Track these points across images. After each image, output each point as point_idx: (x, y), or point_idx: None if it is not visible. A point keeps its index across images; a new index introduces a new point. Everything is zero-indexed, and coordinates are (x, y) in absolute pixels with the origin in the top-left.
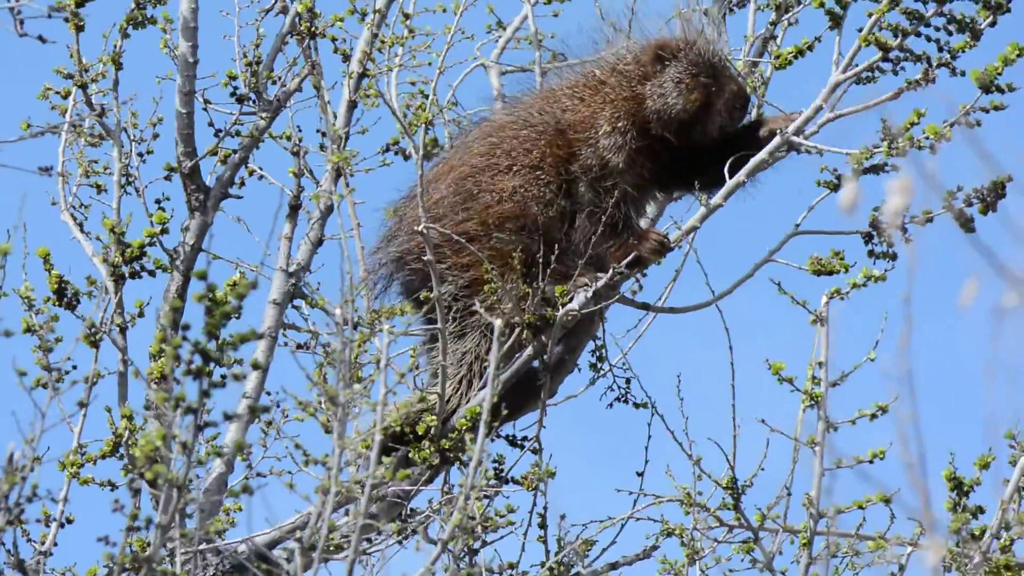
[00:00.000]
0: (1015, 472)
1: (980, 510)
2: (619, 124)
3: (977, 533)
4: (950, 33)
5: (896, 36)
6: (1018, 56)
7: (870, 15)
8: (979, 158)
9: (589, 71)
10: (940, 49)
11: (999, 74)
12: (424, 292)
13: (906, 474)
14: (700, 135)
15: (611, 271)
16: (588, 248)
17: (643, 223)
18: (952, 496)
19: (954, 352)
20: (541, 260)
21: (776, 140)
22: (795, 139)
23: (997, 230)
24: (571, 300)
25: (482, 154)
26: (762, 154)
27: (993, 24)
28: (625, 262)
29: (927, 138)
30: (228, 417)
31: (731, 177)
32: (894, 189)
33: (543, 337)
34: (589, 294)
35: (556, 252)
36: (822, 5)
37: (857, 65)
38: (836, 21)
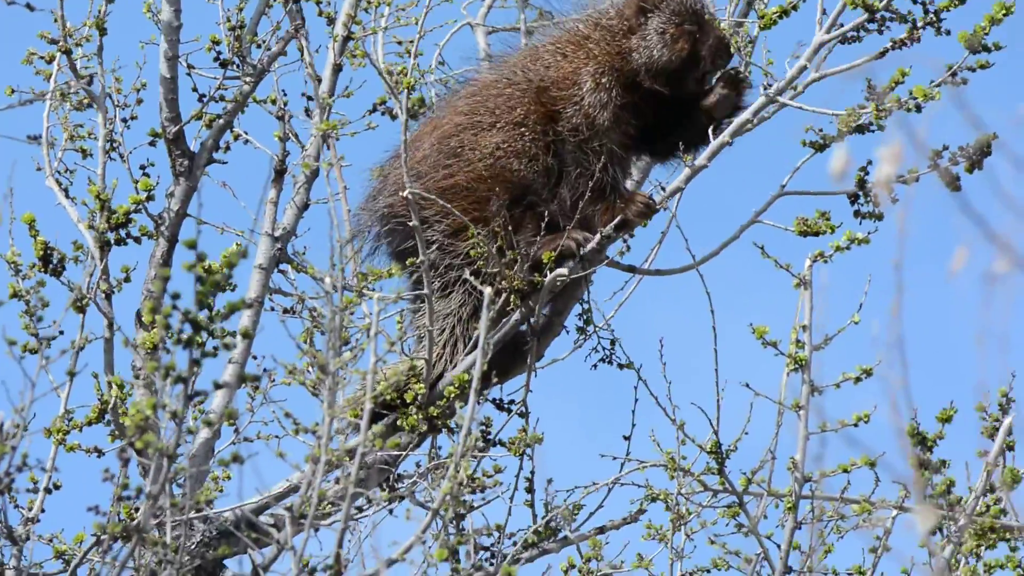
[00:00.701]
0: (999, 434)
1: (943, 464)
2: (603, 80)
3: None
4: None
5: None
6: (1005, 15)
7: None
8: (965, 118)
9: (572, 27)
10: (925, 10)
11: (986, 34)
12: (410, 259)
13: (894, 439)
14: (688, 84)
15: (598, 235)
16: (576, 210)
17: (628, 185)
18: (916, 452)
19: (943, 317)
20: (520, 216)
21: (760, 99)
22: (780, 99)
23: (987, 195)
24: (559, 265)
25: (465, 112)
26: (746, 114)
27: None
28: (612, 225)
29: (914, 99)
30: (218, 386)
31: (715, 137)
32: (884, 156)
33: (531, 302)
34: (577, 259)
35: (541, 208)
36: None
37: (842, 25)
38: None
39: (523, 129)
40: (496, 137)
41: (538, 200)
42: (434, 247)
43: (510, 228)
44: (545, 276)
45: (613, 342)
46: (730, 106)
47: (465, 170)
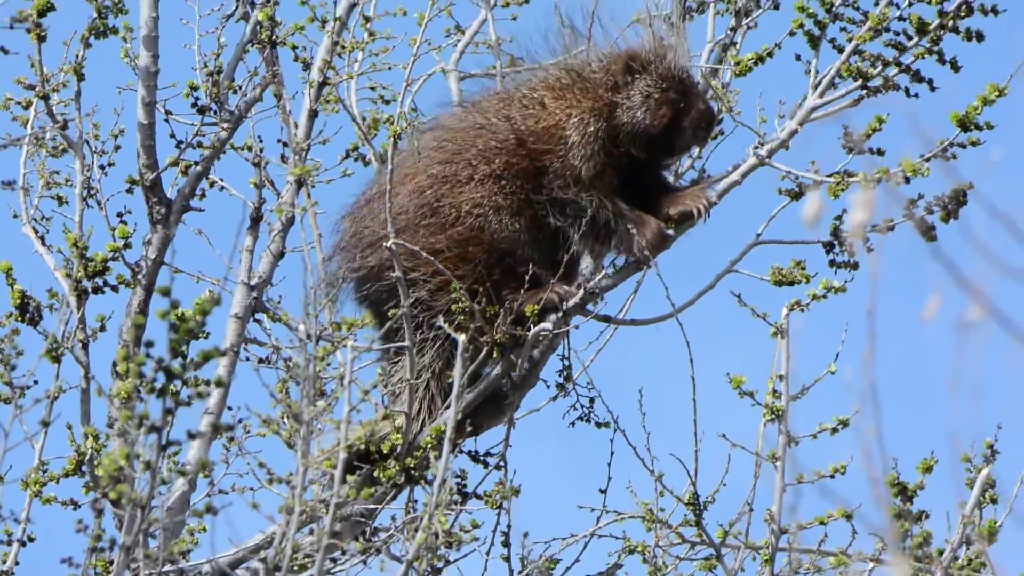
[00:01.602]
0: (975, 487)
1: (923, 515)
2: (588, 130)
3: (937, 552)
4: (909, 37)
5: (876, 66)
6: (998, 96)
7: (847, 42)
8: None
9: (550, 74)
10: (917, 78)
11: (979, 113)
12: (392, 310)
13: (869, 489)
14: (663, 151)
15: (581, 290)
16: (594, 255)
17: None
18: (896, 502)
19: (917, 366)
20: (502, 274)
21: (751, 161)
22: (769, 162)
23: (961, 244)
24: (542, 320)
25: (441, 162)
26: (735, 175)
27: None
28: (631, 261)
29: (902, 172)
30: (192, 436)
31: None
32: (857, 203)
33: (512, 355)
34: (560, 313)
35: (522, 268)
36: (801, 27)
37: (835, 84)
38: (815, 43)
39: (503, 182)
40: (474, 192)
41: (518, 260)
42: (413, 302)
43: (489, 286)
44: (528, 330)
45: (592, 400)
46: (688, 219)
47: (444, 231)
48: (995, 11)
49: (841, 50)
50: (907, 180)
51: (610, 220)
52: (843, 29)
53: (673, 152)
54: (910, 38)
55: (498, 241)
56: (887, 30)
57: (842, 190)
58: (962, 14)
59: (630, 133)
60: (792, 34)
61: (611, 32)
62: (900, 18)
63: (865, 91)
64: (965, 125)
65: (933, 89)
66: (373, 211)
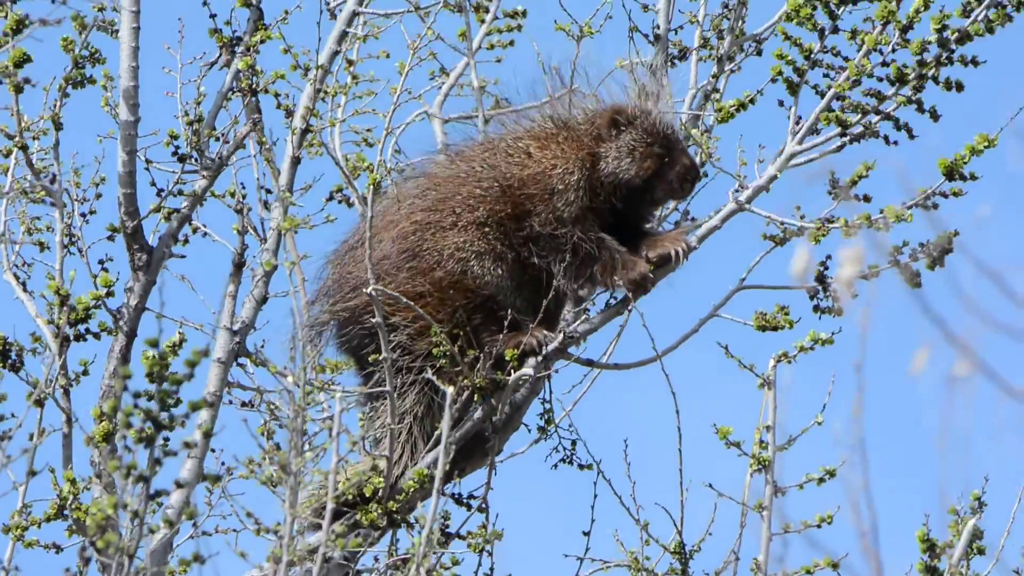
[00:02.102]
0: (962, 537)
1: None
2: (571, 180)
3: None
4: (891, 83)
5: (856, 113)
6: (987, 147)
7: (827, 89)
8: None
9: (536, 124)
10: (897, 126)
11: (965, 163)
12: (373, 355)
13: (857, 540)
14: (646, 204)
15: (561, 334)
16: (580, 290)
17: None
18: (924, 559)
19: (905, 418)
20: (482, 318)
21: (730, 206)
22: (748, 208)
23: (948, 296)
24: (522, 364)
25: (425, 209)
26: (715, 220)
27: (935, 78)
28: (614, 302)
29: (884, 217)
30: (179, 486)
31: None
32: (846, 258)
33: (493, 400)
34: (540, 357)
35: (503, 313)
36: (780, 74)
37: (818, 131)
38: (794, 90)
39: (486, 229)
40: (457, 238)
41: (500, 305)
42: (393, 347)
43: (469, 331)
44: (508, 374)
45: (574, 443)
46: (667, 263)
47: (425, 275)
48: (975, 62)
49: (823, 95)
50: (888, 227)
51: (592, 250)
52: (825, 75)
53: (655, 204)
54: (892, 83)
55: (480, 286)
56: (870, 75)
57: (823, 235)
58: (943, 62)
59: (613, 184)
60: (774, 80)
61: (594, 81)
62: (883, 63)
63: (846, 138)
64: (951, 174)
65: (912, 137)
66: (356, 257)
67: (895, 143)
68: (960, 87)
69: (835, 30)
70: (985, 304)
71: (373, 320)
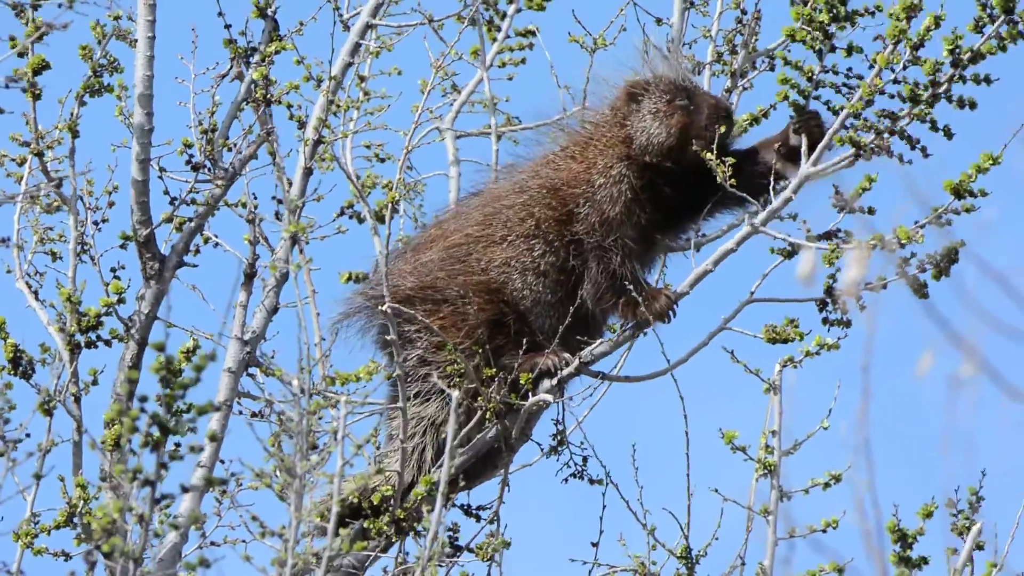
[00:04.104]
0: (968, 540)
1: (924, 561)
2: (613, 172)
3: None
4: (904, 101)
5: (869, 132)
6: (992, 165)
7: (839, 110)
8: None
9: (576, 131)
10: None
11: (972, 181)
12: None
13: (862, 543)
14: (691, 158)
15: (577, 359)
16: (596, 305)
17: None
18: (896, 549)
19: (910, 421)
20: (504, 337)
21: (746, 229)
22: (764, 230)
23: (953, 301)
24: (537, 385)
25: (477, 223)
26: (730, 243)
27: (947, 93)
28: (629, 326)
29: (896, 238)
30: (186, 490)
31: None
32: (851, 261)
33: (506, 421)
34: (555, 381)
35: (526, 336)
36: (786, 98)
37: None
38: (800, 112)
39: (535, 241)
40: (505, 252)
41: (527, 324)
42: (415, 357)
43: (489, 347)
44: (524, 397)
45: (585, 459)
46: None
47: (464, 275)
48: (987, 80)
49: (837, 112)
50: (902, 246)
51: (626, 281)
52: (838, 91)
53: (700, 168)
54: (904, 101)
55: (516, 299)
56: (882, 92)
57: (836, 257)
58: (955, 80)
59: (652, 151)
60: (774, 107)
61: (608, 87)
62: (895, 81)
63: (858, 156)
64: (959, 193)
65: (926, 155)
66: (405, 260)
67: (909, 162)
68: (973, 105)
69: (832, 49)
70: (990, 307)
71: (389, 337)
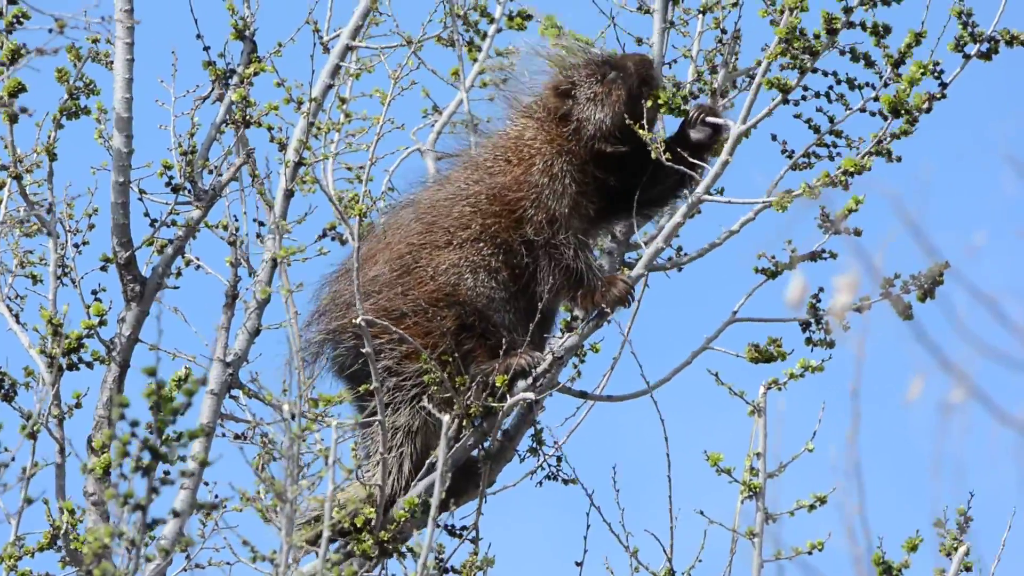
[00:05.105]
0: (954, 562)
1: None
2: (554, 169)
3: None
4: (885, 118)
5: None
6: (923, 75)
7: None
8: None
9: (503, 132)
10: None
11: (907, 96)
12: (364, 385)
13: (851, 566)
14: (638, 129)
15: (550, 356)
16: (554, 301)
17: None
18: None
19: (899, 445)
20: (472, 340)
21: (691, 199)
22: (707, 197)
23: (942, 324)
24: (512, 387)
25: (419, 232)
26: (677, 217)
27: (929, 110)
28: (592, 316)
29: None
30: (176, 515)
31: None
32: (841, 286)
33: (484, 425)
34: (529, 379)
35: (492, 339)
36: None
37: (791, 155)
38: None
39: (480, 244)
40: (452, 255)
41: (491, 324)
42: (383, 370)
43: (458, 355)
44: (502, 399)
45: (559, 459)
46: (709, 137)
47: (417, 287)
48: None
49: (817, 129)
50: (846, 186)
51: (583, 273)
52: (819, 109)
53: (652, 117)
54: (885, 118)
55: (473, 298)
56: (863, 110)
57: (788, 203)
58: (936, 98)
59: (604, 135)
60: (770, 114)
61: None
62: (875, 98)
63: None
64: (896, 111)
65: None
66: (350, 277)
67: (875, 155)
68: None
69: (813, 70)
70: (980, 331)
71: (363, 348)
